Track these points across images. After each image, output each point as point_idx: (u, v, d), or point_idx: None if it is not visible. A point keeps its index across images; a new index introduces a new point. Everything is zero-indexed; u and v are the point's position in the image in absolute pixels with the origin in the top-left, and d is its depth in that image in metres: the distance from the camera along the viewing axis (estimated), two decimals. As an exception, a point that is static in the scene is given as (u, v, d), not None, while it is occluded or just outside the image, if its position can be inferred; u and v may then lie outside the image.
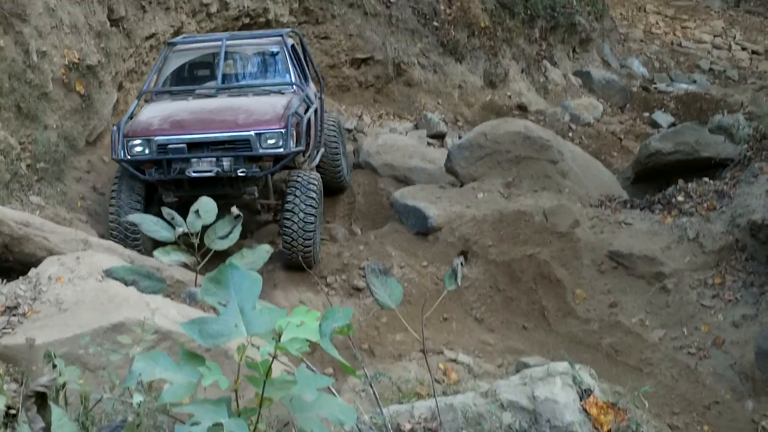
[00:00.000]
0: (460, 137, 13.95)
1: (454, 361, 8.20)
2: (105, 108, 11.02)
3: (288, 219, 9.28)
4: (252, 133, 9.27)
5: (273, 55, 11.05)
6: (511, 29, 19.54)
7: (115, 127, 9.58)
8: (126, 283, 2.49)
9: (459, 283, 2.60)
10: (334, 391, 2.32)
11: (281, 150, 9.28)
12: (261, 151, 9.27)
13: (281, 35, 11.12)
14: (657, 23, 27.51)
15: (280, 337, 1.73)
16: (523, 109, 18.10)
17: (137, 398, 3.13)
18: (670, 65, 24.36)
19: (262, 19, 15.09)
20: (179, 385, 1.75)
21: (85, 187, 10.31)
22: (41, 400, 2.43)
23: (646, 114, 19.89)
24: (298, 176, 9.55)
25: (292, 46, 11.18)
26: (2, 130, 9.09)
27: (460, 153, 11.26)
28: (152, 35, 12.84)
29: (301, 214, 9.23)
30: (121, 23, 11.92)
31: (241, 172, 9.23)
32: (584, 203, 10.69)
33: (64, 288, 5.59)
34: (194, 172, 9.23)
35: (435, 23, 17.73)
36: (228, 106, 9.96)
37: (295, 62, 10.90)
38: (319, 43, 15.90)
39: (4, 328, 5.14)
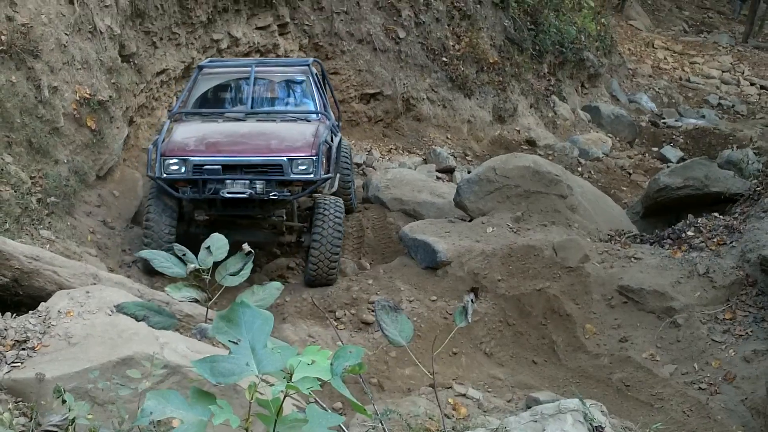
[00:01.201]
0: (469, 172, 13.97)
1: (464, 395, 8.15)
2: (116, 143, 11.08)
3: (317, 242, 9.59)
4: (285, 158, 9.51)
5: (299, 83, 11.21)
6: (520, 65, 19.65)
7: (151, 146, 9.83)
8: (137, 319, 2.49)
9: (470, 320, 2.59)
10: (345, 428, 2.31)
11: (311, 176, 9.58)
12: (292, 176, 9.55)
13: (307, 64, 11.28)
14: (665, 59, 27.64)
15: (291, 375, 1.74)
16: (532, 144, 18.16)
17: (147, 435, 3.13)
18: (678, 100, 24.43)
19: (272, 55, 15.20)
20: (190, 424, 1.75)
21: (95, 221, 10.34)
22: (51, 437, 2.43)
23: (655, 149, 19.94)
24: (326, 201, 9.90)
25: (315, 74, 11.31)
26: (13, 164, 9.14)
27: (469, 187, 11.25)
28: (163, 71, 12.96)
29: (329, 237, 9.60)
30: (132, 59, 12.04)
31: (273, 195, 9.47)
32: (594, 238, 10.67)
33: (73, 322, 5.60)
34: (228, 193, 9.43)
35: (444, 59, 17.84)
36: (259, 130, 10.17)
37: (320, 91, 11.07)
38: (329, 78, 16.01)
39: (13, 362, 5.14)
